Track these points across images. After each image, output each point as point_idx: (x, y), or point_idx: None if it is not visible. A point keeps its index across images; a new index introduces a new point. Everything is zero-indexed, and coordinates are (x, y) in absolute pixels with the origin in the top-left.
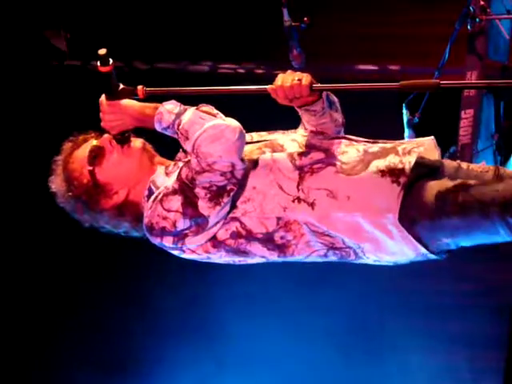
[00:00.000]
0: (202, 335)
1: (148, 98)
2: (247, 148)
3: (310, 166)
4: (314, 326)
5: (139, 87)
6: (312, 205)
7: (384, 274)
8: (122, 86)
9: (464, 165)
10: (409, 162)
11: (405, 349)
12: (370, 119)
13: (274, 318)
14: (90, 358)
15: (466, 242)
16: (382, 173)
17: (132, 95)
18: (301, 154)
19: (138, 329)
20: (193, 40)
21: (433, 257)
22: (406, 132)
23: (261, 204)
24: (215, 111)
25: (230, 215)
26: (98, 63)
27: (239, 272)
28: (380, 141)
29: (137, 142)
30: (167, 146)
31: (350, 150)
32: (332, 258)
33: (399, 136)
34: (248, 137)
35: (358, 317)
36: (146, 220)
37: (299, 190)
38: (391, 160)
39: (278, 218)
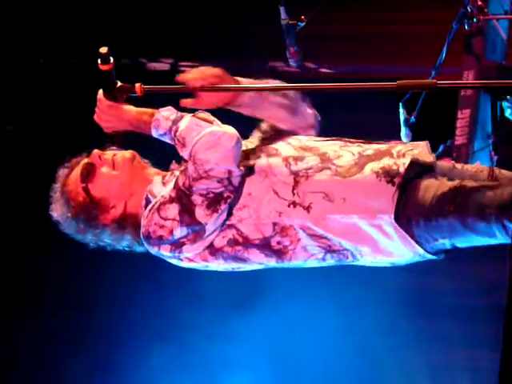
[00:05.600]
0: None
1: (145, 96)
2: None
3: (305, 170)
4: (312, 326)
5: (137, 85)
6: (308, 208)
7: (381, 274)
8: (119, 83)
9: (459, 165)
10: (403, 163)
11: (402, 348)
12: (367, 118)
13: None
14: None
15: (462, 242)
16: (377, 174)
17: (130, 93)
18: (296, 159)
19: None
20: (187, 37)
21: (430, 257)
22: (403, 131)
23: (256, 210)
24: (212, 118)
25: (227, 222)
26: (99, 61)
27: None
28: (374, 142)
29: (126, 153)
30: (157, 154)
31: (344, 154)
32: (330, 261)
33: (396, 135)
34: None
35: (354, 316)
36: (143, 229)
37: (294, 194)
38: (386, 162)
39: (274, 224)
